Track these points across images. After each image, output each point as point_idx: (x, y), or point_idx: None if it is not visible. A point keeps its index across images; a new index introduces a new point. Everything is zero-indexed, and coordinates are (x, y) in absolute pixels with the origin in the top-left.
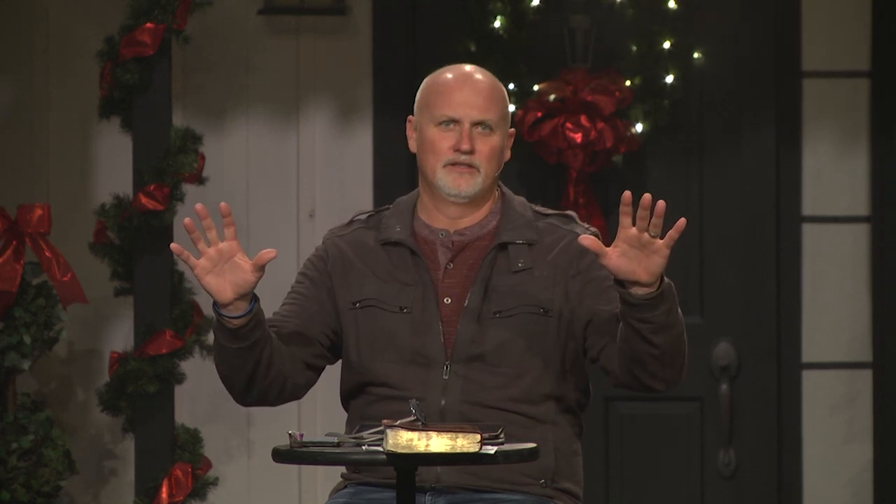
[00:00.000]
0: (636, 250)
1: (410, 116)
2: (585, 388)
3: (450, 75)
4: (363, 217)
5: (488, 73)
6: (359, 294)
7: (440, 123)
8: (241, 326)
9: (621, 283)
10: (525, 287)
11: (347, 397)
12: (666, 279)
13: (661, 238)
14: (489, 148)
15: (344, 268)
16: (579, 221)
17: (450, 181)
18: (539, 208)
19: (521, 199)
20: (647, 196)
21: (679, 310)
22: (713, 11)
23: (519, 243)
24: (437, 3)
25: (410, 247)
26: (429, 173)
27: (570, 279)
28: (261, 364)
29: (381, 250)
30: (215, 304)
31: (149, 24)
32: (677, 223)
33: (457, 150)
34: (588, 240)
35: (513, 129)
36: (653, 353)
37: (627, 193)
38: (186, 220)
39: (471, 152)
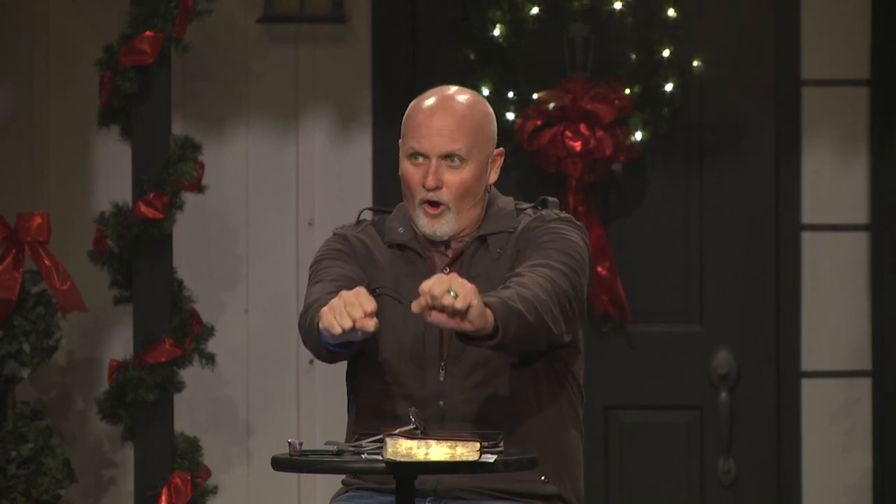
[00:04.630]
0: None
1: (400, 140)
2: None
3: (424, 103)
4: (369, 216)
5: (468, 97)
6: (377, 282)
7: (410, 156)
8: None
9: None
10: (498, 272)
11: (349, 379)
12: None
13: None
14: (458, 181)
15: (366, 255)
16: (551, 208)
17: (425, 222)
18: (522, 204)
19: (509, 198)
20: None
21: (520, 318)
22: (712, 20)
23: (497, 233)
24: (436, 11)
25: (416, 249)
26: (409, 209)
27: (518, 253)
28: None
29: (387, 250)
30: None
31: (148, 33)
32: None
33: (424, 186)
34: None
35: (500, 149)
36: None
37: None
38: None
39: (438, 188)
